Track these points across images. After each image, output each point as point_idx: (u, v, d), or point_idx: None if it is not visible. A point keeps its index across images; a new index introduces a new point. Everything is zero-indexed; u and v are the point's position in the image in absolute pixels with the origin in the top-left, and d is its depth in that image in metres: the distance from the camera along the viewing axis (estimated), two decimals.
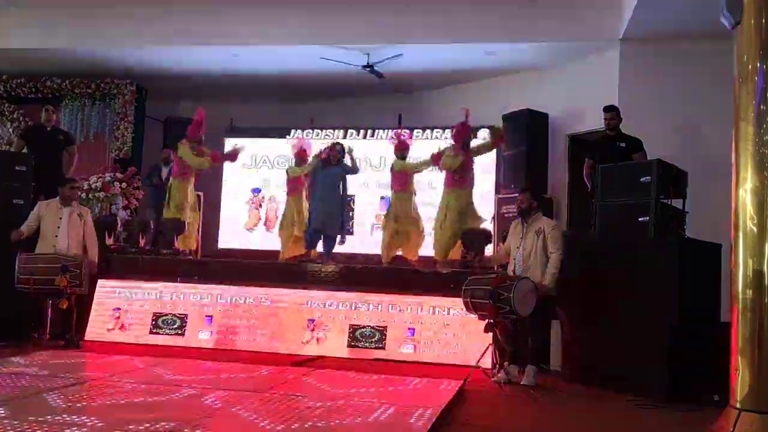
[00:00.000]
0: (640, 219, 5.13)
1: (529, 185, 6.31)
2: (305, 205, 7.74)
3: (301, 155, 7.92)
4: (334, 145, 7.71)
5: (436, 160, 7.16)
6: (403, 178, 7.40)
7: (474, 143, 7.31)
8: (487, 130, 7.91)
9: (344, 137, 9.46)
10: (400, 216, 7.30)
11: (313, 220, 7.42)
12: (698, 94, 7.10)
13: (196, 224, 7.87)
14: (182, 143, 7.67)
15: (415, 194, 7.50)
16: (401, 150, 7.49)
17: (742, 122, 3.37)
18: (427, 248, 7.39)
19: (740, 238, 3.35)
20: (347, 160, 7.64)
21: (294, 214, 7.71)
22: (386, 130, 9.64)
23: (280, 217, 8.11)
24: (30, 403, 3.68)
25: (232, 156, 8.15)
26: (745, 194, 3.32)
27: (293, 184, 7.82)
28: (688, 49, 7.21)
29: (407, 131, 8.08)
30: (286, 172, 7.97)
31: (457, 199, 6.90)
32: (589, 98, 7.74)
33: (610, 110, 6.49)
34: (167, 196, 7.64)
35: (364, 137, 9.71)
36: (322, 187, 7.44)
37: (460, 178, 6.95)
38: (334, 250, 7.55)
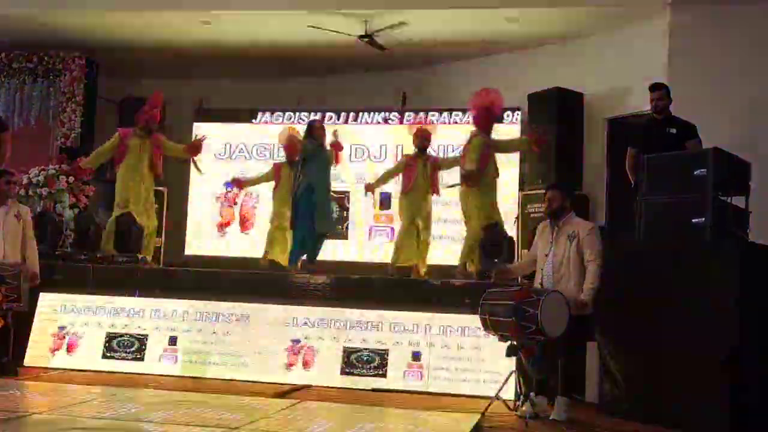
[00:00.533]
0: (693, 220, 5.12)
1: (560, 180, 6.31)
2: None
3: (291, 149, 7.94)
4: (313, 122, 7.72)
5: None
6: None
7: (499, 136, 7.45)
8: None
9: (338, 121, 9.47)
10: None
11: (303, 214, 7.33)
12: (764, 68, 7.10)
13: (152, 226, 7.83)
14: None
15: None
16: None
17: None
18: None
19: None
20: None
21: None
22: (387, 113, 9.67)
23: (270, 214, 8.18)
24: None
25: (194, 148, 8.00)
26: None
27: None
28: (750, 14, 7.20)
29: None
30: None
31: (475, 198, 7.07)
32: (632, 75, 7.75)
33: (658, 89, 6.48)
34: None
35: (360, 121, 9.73)
36: (315, 174, 7.36)
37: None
38: (320, 258, 7.58)
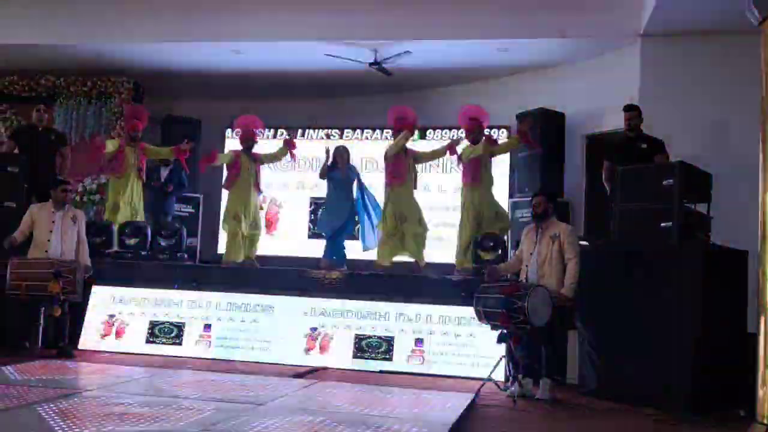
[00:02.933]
0: (661, 225, 5.10)
1: (545, 188, 6.29)
2: (254, 197, 7.60)
3: (248, 136, 7.58)
4: (337, 148, 7.59)
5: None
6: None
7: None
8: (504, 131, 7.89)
9: (352, 137, 9.48)
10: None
11: (332, 228, 7.42)
12: (723, 92, 7.06)
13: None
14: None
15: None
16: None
17: None
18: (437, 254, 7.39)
19: None
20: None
21: (237, 209, 7.39)
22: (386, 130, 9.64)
23: (223, 215, 7.66)
24: (21, 415, 3.69)
25: (180, 150, 7.75)
26: None
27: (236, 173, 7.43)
28: (712, 45, 7.17)
29: None
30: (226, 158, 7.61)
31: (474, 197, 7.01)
32: (607, 97, 7.71)
33: (631, 110, 6.46)
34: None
35: (371, 137, 9.72)
36: (333, 190, 7.45)
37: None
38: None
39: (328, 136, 9.49)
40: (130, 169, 7.55)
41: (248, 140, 7.60)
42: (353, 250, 8.47)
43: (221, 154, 7.71)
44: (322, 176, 7.58)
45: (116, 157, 7.50)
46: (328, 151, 7.54)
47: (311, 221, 9.36)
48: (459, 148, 7.19)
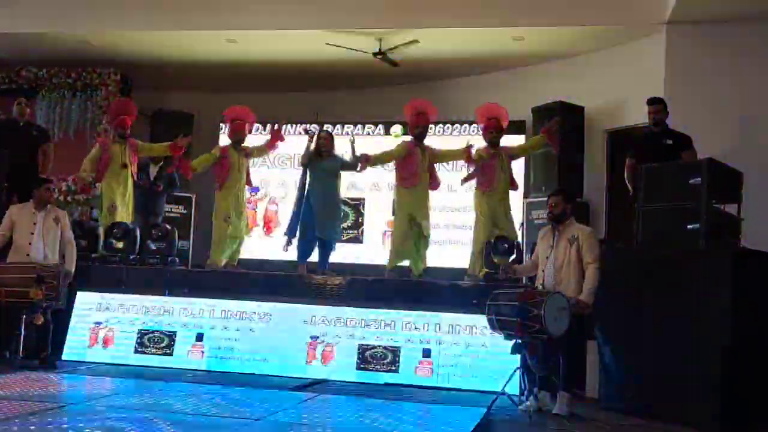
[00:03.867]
0: (688, 226, 5.09)
1: (562, 187, 6.28)
2: (245, 195, 7.62)
3: (239, 128, 7.53)
4: (319, 132, 7.48)
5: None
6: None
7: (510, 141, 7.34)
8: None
9: (356, 131, 9.49)
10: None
11: (307, 225, 7.26)
12: (755, 84, 7.07)
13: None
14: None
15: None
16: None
17: None
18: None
19: None
20: (347, 152, 7.34)
21: (228, 210, 7.39)
22: (400, 125, 9.67)
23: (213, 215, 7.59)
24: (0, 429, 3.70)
25: (176, 147, 7.67)
26: None
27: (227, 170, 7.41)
28: (743, 33, 7.17)
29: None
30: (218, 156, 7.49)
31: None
32: (630, 89, 7.72)
33: (656, 103, 6.46)
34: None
35: (374, 132, 9.75)
36: (317, 184, 7.30)
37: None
38: (337, 260, 7.57)
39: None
40: (120, 169, 7.49)
41: (238, 134, 7.59)
42: (356, 254, 8.52)
43: (197, 160, 7.55)
44: (303, 162, 7.38)
45: (100, 159, 7.44)
46: (309, 132, 7.41)
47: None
48: (473, 150, 7.09)
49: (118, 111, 7.81)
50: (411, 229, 7.12)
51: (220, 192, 7.50)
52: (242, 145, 7.64)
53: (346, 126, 9.56)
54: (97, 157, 7.49)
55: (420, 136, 7.20)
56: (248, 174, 7.69)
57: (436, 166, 7.30)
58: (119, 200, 7.47)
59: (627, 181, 6.62)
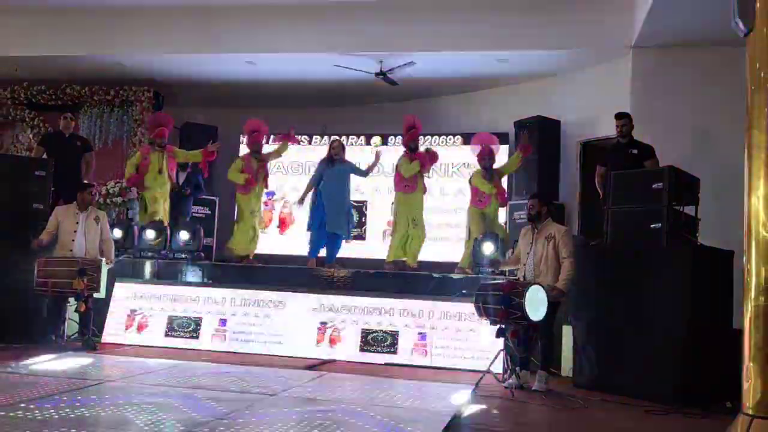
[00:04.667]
0: (651, 226, 5.10)
1: (539, 191, 6.29)
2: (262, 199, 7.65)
3: (256, 139, 7.60)
4: (332, 142, 7.65)
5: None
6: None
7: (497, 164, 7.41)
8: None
9: (357, 144, 9.51)
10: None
11: (317, 221, 7.31)
12: (710, 101, 7.06)
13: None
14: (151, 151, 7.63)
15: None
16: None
17: (754, 130, 3.33)
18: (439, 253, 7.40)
19: (753, 246, 3.31)
20: (367, 163, 7.56)
21: (252, 206, 7.46)
22: (398, 137, 9.68)
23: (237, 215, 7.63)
24: (47, 404, 3.71)
25: (209, 153, 7.75)
26: (758, 202, 3.28)
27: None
28: (700, 57, 7.17)
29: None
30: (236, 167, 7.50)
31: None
32: (601, 105, 7.72)
33: (622, 117, 6.46)
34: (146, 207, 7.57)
35: (371, 144, 9.75)
36: (330, 187, 7.35)
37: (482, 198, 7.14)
38: (343, 255, 7.55)
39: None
40: (158, 174, 7.51)
41: (256, 144, 7.66)
42: (359, 250, 8.49)
43: (232, 175, 7.52)
44: (318, 173, 7.42)
45: (139, 165, 7.46)
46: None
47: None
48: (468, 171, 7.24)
49: (157, 122, 7.82)
50: (409, 228, 7.18)
51: (242, 195, 7.51)
52: (260, 153, 7.65)
53: (350, 137, 9.58)
54: (136, 164, 7.52)
55: (414, 148, 7.34)
56: (266, 177, 7.71)
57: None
58: (157, 202, 7.48)
59: (597, 186, 6.62)
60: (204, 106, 10.28)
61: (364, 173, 7.62)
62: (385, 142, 9.48)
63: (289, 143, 7.83)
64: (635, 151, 6.30)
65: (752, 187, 3.34)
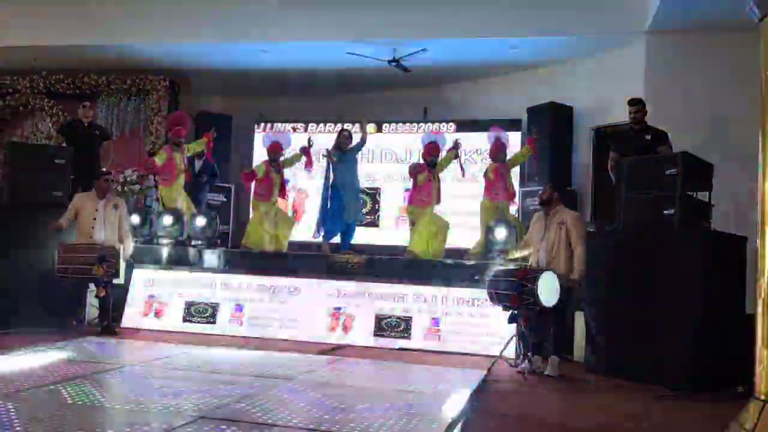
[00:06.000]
0: (665, 212, 5.05)
1: (552, 178, 6.27)
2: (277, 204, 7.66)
3: (275, 149, 7.61)
4: (341, 131, 7.66)
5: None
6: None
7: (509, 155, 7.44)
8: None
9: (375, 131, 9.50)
10: None
11: (335, 210, 7.34)
12: (725, 86, 6.96)
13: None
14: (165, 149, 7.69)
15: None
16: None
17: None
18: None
19: (766, 231, 3.28)
20: (356, 131, 7.61)
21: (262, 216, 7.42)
22: (412, 124, 9.66)
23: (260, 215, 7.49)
24: (68, 387, 3.77)
25: (209, 138, 7.89)
26: None
27: (264, 185, 7.45)
28: (714, 42, 7.06)
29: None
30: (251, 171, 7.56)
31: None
32: (614, 90, 7.63)
33: (635, 103, 6.38)
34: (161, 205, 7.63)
35: (388, 130, 9.75)
36: (345, 175, 7.41)
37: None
38: (357, 241, 7.59)
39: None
40: (180, 173, 7.63)
41: (276, 153, 7.64)
42: (373, 237, 8.49)
43: (257, 168, 7.60)
44: (334, 162, 7.41)
45: (167, 167, 7.53)
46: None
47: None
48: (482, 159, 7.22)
49: (176, 123, 7.87)
50: (429, 240, 7.12)
51: (257, 204, 7.54)
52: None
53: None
54: (161, 162, 7.49)
55: (432, 163, 7.32)
56: (283, 187, 7.74)
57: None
58: (175, 201, 7.56)
59: (610, 173, 6.55)
60: (219, 95, 10.30)
61: (362, 143, 7.64)
62: (380, 129, 9.46)
63: (303, 156, 7.74)
64: (648, 137, 6.23)
65: (766, 173, 3.30)
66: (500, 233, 6.62)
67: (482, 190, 7.40)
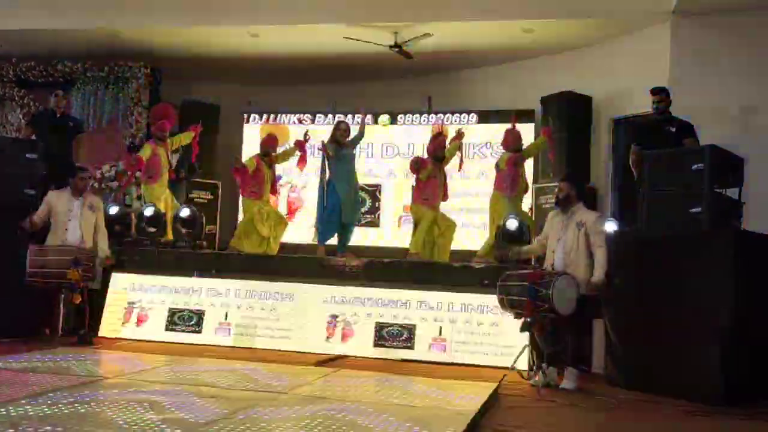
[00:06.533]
0: (691, 210, 5.04)
1: (570, 173, 6.24)
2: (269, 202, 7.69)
3: (271, 142, 7.68)
4: (339, 123, 7.61)
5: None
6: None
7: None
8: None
9: (371, 122, 9.48)
10: None
11: (332, 210, 7.34)
12: (757, 72, 6.95)
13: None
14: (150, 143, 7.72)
15: None
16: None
17: None
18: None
19: None
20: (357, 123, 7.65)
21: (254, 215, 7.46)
22: (414, 115, 9.65)
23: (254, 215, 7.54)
24: (40, 403, 3.75)
25: (194, 129, 7.97)
26: None
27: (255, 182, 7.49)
28: (747, 23, 7.05)
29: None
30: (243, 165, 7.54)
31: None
32: (636, 78, 7.62)
33: (659, 92, 6.37)
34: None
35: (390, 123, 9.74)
36: (342, 171, 7.40)
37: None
38: (355, 243, 7.59)
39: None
40: (164, 170, 7.66)
41: (269, 147, 7.67)
42: (373, 238, 8.46)
43: (247, 161, 7.63)
44: (330, 157, 7.40)
45: (152, 163, 7.54)
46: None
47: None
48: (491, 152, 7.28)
49: (160, 116, 7.87)
50: (434, 242, 7.22)
51: (247, 200, 7.55)
52: (270, 156, 7.70)
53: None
54: (145, 158, 7.51)
55: (441, 158, 7.38)
56: (274, 183, 7.76)
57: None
58: (159, 199, 7.56)
59: (632, 167, 6.54)
60: (205, 83, 10.29)
61: (360, 135, 7.66)
62: (394, 121, 9.45)
63: (298, 151, 7.76)
64: (673, 129, 6.23)
65: None
66: (512, 223, 6.60)
67: (493, 185, 7.38)
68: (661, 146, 5.82)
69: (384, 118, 9.36)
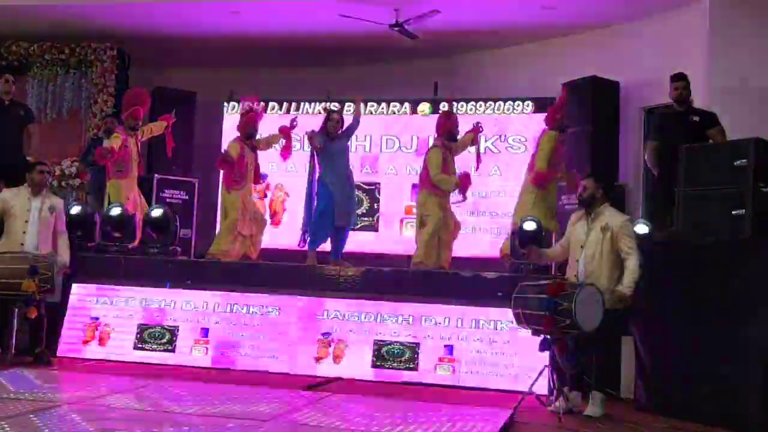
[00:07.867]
0: (733, 212, 5.05)
1: (595, 170, 6.26)
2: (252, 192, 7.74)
3: (251, 121, 7.62)
4: (330, 113, 7.56)
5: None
6: None
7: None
8: None
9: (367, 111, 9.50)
10: None
11: (323, 210, 7.33)
12: None
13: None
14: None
15: None
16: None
17: None
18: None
19: None
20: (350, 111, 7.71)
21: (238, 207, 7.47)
22: (419, 104, 9.66)
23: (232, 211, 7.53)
24: None
25: (167, 119, 8.02)
26: None
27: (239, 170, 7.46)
28: None
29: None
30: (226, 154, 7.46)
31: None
32: (670, 63, 7.62)
33: (680, 78, 6.41)
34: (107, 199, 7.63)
35: (389, 111, 9.75)
36: (334, 166, 7.38)
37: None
38: (350, 249, 7.60)
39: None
40: (134, 164, 7.66)
41: (249, 127, 7.63)
42: (371, 243, 8.45)
43: (230, 147, 7.56)
44: (318, 148, 7.39)
45: (121, 156, 7.51)
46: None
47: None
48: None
49: (132, 101, 7.86)
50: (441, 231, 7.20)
51: (229, 191, 7.54)
52: (252, 139, 7.69)
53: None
54: (116, 147, 7.49)
55: (453, 138, 7.35)
56: (257, 170, 7.74)
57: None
58: (125, 197, 7.54)
59: (650, 165, 6.56)
60: (179, 67, 10.31)
61: (356, 124, 7.65)
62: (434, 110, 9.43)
63: (282, 138, 7.79)
64: (696, 119, 6.25)
65: None
66: (529, 225, 6.60)
67: (525, 170, 7.36)
68: (685, 139, 5.83)
69: (425, 106, 9.34)
